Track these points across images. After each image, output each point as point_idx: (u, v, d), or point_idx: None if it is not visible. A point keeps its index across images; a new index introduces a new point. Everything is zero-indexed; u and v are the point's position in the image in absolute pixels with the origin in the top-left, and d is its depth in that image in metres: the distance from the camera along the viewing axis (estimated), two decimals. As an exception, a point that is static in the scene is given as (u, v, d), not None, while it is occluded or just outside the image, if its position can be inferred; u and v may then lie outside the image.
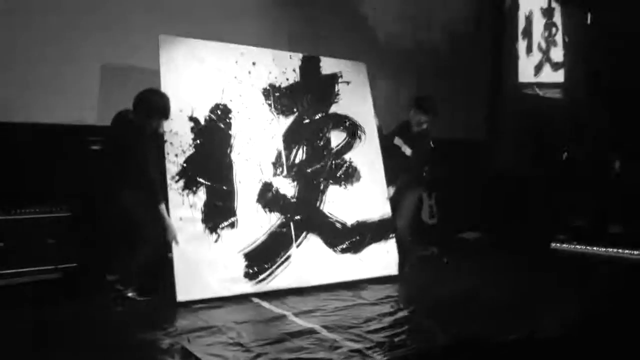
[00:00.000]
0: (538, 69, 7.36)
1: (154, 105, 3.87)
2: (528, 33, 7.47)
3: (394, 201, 4.89)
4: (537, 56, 7.45)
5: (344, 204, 4.62)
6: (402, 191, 4.92)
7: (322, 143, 4.68)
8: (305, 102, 4.68)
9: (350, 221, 4.59)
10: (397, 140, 4.98)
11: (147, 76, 4.28)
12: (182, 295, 3.77)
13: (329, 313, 3.73)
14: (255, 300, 3.99)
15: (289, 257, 4.25)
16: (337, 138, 4.77)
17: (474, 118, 7.52)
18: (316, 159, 4.61)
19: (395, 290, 4.37)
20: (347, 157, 4.76)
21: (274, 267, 4.16)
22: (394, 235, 4.76)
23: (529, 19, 7.46)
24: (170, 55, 4.17)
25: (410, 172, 4.88)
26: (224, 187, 4.13)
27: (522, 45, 7.46)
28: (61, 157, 4.50)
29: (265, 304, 3.91)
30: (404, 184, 4.90)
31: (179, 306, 3.73)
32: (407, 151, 4.89)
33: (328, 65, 4.91)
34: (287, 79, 4.66)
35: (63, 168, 4.46)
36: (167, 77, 4.11)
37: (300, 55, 4.80)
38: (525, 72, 7.42)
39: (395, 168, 4.91)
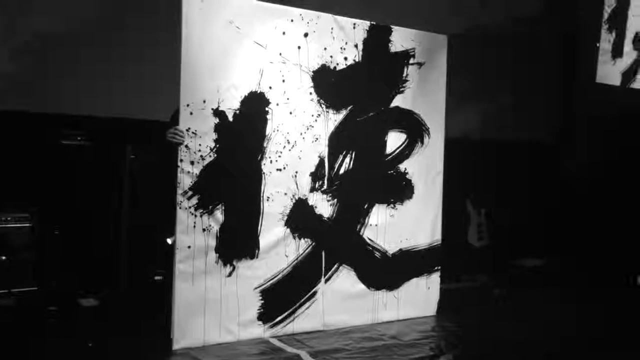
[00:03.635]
0: (628, 76, 5.08)
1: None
2: (619, 20, 5.03)
3: None
4: (630, 56, 5.03)
5: (389, 227, 3.76)
6: None
7: (375, 148, 3.71)
8: (364, 92, 3.64)
9: (392, 250, 3.78)
10: None
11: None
12: (178, 342, 3.08)
13: (354, 354, 3.15)
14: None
15: (314, 294, 3.49)
16: (394, 141, 3.78)
17: (540, 116, 6.29)
18: (366, 170, 3.67)
19: (434, 327, 3.72)
20: (402, 166, 3.81)
21: (295, 306, 3.43)
22: (439, 268, 3.97)
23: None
24: (196, 21, 3.05)
25: None
26: (248, 206, 3.27)
27: (605, 39, 5.04)
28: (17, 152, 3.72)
29: (274, 340, 3.31)
30: None
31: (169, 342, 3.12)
32: None
33: (400, 38, 3.77)
34: (346, 58, 3.57)
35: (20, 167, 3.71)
36: (190, 53, 3.04)
37: (367, 24, 3.64)
38: (608, 79, 5.16)
39: None
